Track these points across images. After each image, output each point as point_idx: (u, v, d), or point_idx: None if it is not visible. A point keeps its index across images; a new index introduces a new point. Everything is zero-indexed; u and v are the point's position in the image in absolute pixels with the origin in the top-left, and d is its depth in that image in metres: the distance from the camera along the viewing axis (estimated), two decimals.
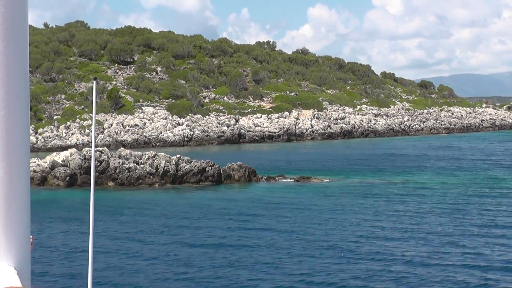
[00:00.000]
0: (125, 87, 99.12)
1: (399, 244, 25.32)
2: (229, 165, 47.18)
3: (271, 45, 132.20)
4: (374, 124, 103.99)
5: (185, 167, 46.16)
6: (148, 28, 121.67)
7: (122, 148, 49.61)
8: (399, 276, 20.91)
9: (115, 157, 46.28)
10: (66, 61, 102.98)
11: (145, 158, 46.44)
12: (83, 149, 48.62)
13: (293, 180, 46.59)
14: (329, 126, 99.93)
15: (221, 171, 46.39)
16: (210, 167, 46.31)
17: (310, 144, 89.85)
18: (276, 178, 47.33)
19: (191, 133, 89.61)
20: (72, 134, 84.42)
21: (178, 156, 46.75)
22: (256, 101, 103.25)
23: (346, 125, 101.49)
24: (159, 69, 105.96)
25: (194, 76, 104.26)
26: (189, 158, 46.70)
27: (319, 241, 25.83)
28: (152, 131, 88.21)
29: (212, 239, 26.01)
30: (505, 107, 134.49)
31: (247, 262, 22.47)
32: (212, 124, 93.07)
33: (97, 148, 47.96)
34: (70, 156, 46.36)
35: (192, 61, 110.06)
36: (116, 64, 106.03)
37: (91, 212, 7.14)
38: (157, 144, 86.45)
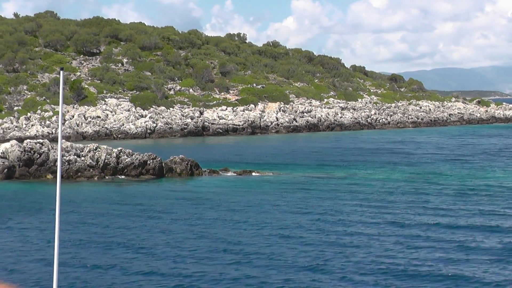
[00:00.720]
0: (89, 78, 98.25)
1: (304, 245, 24.86)
2: (171, 158, 46.74)
3: (242, 37, 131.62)
4: (341, 117, 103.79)
5: (126, 160, 45.66)
6: (116, 19, 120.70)
7: (63, 140, 49.01)
8: (275, 281, 20.55)
9: (55, 149, 45.69)
10: (31, 51, 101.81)
11: (86, 151, 45.89)
12: (24, 141, 47.91)
13: (235, 174, 46.24)
14: (294, 119, 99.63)
15: (163, 164, 45.95)
16: (151, 160, 45.84)
17: (274, 137, 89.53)
18: (220, 171, 46.94)
19: (154, 125, 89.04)
20: (32, 125, 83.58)
21: (119, 148, 46.24)
22: (222, 93, 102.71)
23: (312, 118, 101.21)
24: (125, 60, 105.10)
25: (159, 67, 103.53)
26: (131, 151, 46.20)
27: (224, 240, 25.31)
28: (114, 123, 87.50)
29: (112, 238, 25.41)
30: (475, 101, 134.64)
31: (136, 263, 21.96)
32: (175, 116, 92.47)
33: (37, 140, 47.35)
34: (10, 148, 45.70)
35: (159, 53, 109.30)
36: (82, 55, 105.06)
37: (57, 205, 7.00)
38: (119, 136, 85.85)
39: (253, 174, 46.09)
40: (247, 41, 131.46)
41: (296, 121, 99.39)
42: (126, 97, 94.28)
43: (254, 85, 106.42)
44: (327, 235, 26.52)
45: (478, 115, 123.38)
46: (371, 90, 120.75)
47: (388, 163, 53.01)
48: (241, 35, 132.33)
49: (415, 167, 49.91)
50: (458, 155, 58.71)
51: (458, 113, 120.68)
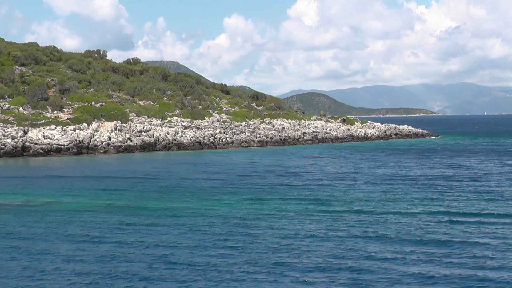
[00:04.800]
0: None
1: None
2: None
3: (101, 54, 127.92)
4: (181, 136, 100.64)
5: None
6: None
7: None
8: None
9: None
10: None
11: None
12: None
13: None
14: (129, 138, 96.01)
15: None
16: None
17: (98, 158, 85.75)
18: None
19: None
20: None
21: None
22: (55, 112, 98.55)
23: (149, 137, 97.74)
24: None
25: None
26: None
27: None
28: None
29: None
30: (340, 119, 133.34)
31: None
32: None
33: None
34: None
35: None
36: None
37: None
38: None
39: None
40: (107, 58, 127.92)
41: (131, 141, 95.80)
42: None
43: (93, 103, 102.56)
44: None
45: (335, 133, 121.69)
46: (224, 109, 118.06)
47: (112, 189, 49.67)
48: (101, 51, 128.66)
49: (152, 195, 46.72)
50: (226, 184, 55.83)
51: (313, 131, 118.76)
